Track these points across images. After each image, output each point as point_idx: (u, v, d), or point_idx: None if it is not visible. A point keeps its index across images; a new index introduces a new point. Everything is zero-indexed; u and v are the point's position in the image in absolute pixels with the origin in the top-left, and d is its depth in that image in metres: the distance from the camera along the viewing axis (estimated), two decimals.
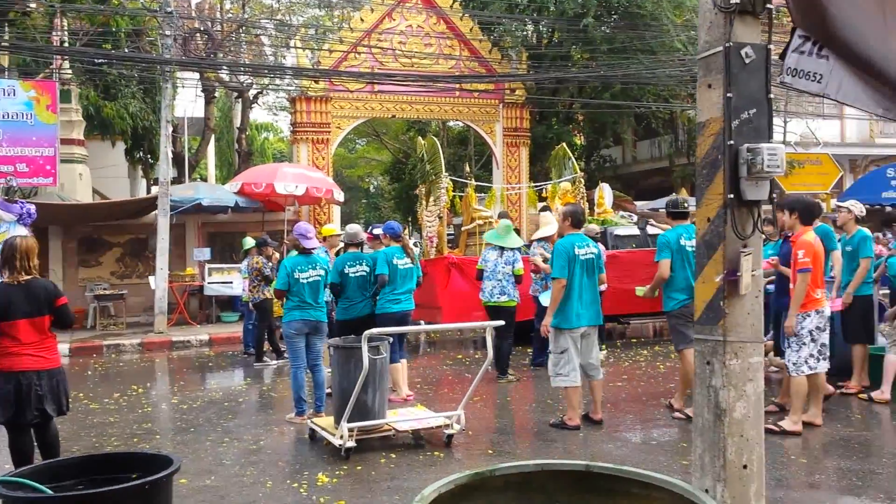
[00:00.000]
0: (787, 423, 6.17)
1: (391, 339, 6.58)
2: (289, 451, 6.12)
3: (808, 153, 19.14)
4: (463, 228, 12.69)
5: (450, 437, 6.08)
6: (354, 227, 8.05)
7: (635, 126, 21.99)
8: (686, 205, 7.03)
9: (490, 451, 5.95)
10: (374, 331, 5.78)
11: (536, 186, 14.49)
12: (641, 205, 18.34)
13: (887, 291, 9.56)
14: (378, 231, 8.40)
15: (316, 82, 15.50)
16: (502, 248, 8.81)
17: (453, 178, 12.95)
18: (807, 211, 6.44)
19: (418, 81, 15.42)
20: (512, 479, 3.27)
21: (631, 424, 6.76)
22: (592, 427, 6.54)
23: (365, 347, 5.53)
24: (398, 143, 27.31)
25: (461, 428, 6.20)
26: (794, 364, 6.29)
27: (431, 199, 12.51)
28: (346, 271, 7.52)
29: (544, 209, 11.17)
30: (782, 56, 2.90)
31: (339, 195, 14.79)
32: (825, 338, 6.38)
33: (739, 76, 3.07)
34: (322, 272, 7.16)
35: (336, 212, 15.93)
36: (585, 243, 6.57)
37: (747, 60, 3.04)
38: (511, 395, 8.06)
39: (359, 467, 5.53)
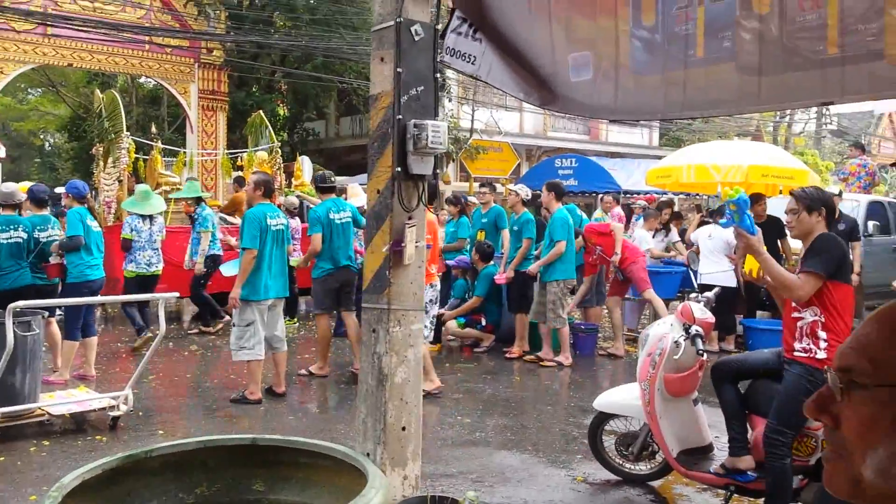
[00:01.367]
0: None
1: (48, 314, 5.85)
2: None
3: (492, 141, 20.93)
4: None
5: (115, 419, 5.59)
6: (10, 186, 7.02)
7: (338, 101, 22.19)
8: (332, 179, 7.57)
9: (161, 432, 5.58)
10: (24, 303, 5.09)
11: (232, 154, 13.90)
12: (343, 180, 18.55)
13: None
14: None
15: None
16: (150, 217, 8.53)
17: (137, 139, 11.89)
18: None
19: (100, 28, 13.85)
20: (170, 459, 3.07)
21: (314, 396, 6.82)
22: (275, 400, 6.46)
23: (9, 323, 4.83)
24: (78, 97, 24.51)
25: (129, 409, 5.73)
26: None
27: (110, 160, 11.34)
28: None
29: (241, 178, 10.80)
30: (442, 35, 3.04)
31: None
32: (435, 310, 7.02)
33: (409, 52, 3.16)
34: None
35: None
36: (276, 213, 6.44)
37: (417, 38, 3.14)
38: (191, 372, 7.66)
39: (2, 458, 4.85)
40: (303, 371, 7.35)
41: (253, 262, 6.19)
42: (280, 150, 12.60)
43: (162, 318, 5.55)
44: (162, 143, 13.38)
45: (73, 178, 8.89)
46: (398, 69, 3.14)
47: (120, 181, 11.12)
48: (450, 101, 20.04)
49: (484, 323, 8.83)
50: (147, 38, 15.06)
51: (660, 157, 14.84)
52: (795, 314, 3.55)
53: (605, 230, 8.52)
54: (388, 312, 3.40)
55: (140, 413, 5.98)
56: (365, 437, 3.59)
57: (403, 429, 3.56)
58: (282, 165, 12.18)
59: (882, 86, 2.28)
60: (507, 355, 8.30)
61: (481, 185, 9.70)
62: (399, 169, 3.24)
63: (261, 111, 14.01)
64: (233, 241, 8.83)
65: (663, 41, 2.70)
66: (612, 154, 22.98)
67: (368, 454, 3.54)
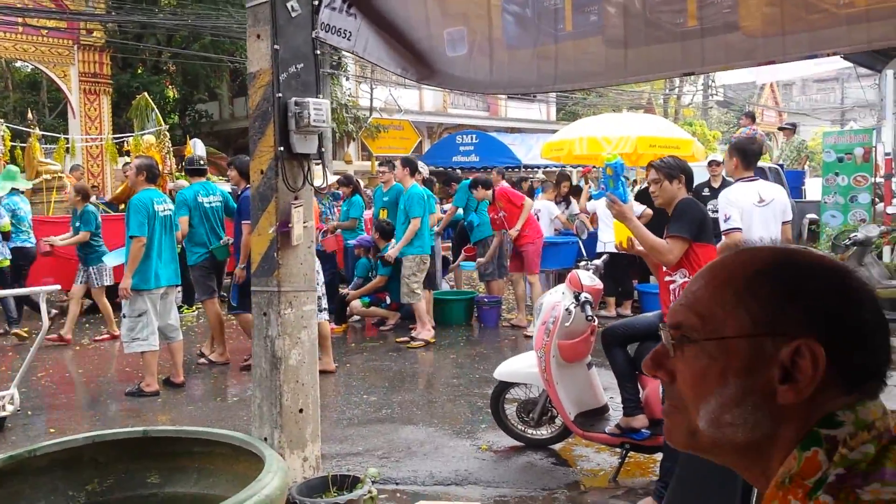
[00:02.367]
0: None
1: None
2: None
3: (392, 119, 20.80)
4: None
5: (1, 420, 5.29)
6: None
7: (230, 82, 21.48)
8: (202, 162, 7.53)
9: (53, 431, 5.34)
10: None
11: (117, 139, 13.24)
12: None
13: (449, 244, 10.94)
14: None
15: None
16: None
17: (12, 126, 11.17)
18: None
19: None
20: (58, 457, 2.95)
21: (214, 384, 6.66)
22: (174, 391, 6.28)
23: None
24: None
25: (16, 409, 5.43)
26: None
27: None
28: None
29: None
30: (316, 11, 2.98)
31: None
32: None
33: (286, 29, 3.09)
34: None
35: None
36: (162, 199, 6.21)
37: (293, 14, 3.07)
38: (84, 366, 7.34)
39: None
40: (202, 360, 7.15)
41: (142, 250, 5.97)
42: (169, 134, 12.11)
43: (44, 312, 5.27)
44: (41, 130, 12.61)
45: None
46: (275, 46, 3.06)
47: None
48: (347, 79, 19.77)
49: (388, 301, 8.82)
50: (20, 20, 14.11)
51: (556, 131, 15.15)
52: (667, 277, 3.71)
53: (518, 202, 8.60)
54: (278, 295, 3.35)
55: (29, 412, 5.71)
56: (262, 422, 3.55)
57: (301, 411, 3.53)
58: (171, 149, 11.71)
59: (738, 56, 2.39)
60: (413, 332, 8.32)
61: (381, 164, 9.64)
62: (282, 148, 3.17)
63: (146, 93, 13.40)
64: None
65: (534, 16, 2.74)
66: (511, 129, 23.28)
67: (266, 439, 3.50)
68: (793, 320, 0.81)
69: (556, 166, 16.20)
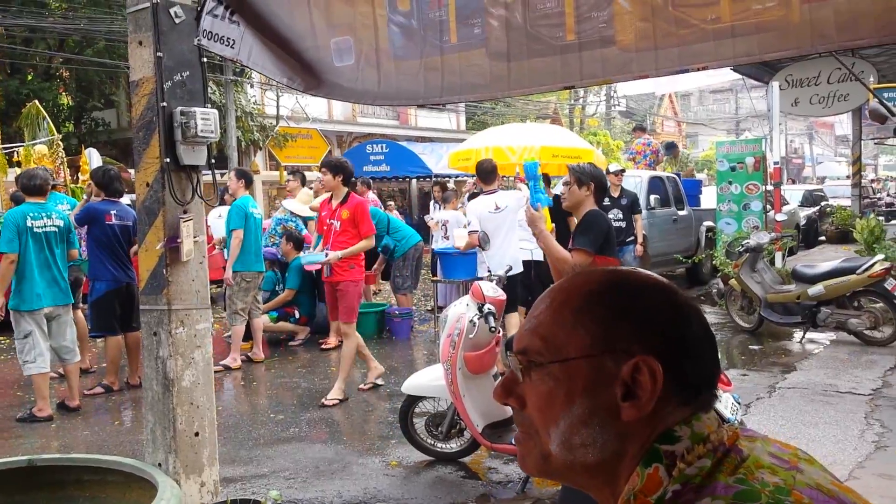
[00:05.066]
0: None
1: None
2: None
3: (300, 128, 20.51)
4: None
5: None
6: None
7: (128, 89, 20.70)
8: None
9: None
10: None
11: (7, 149, 12.52)
12: None
13: None
14: None
15: None
16: None
17: None
18: None
19: None
20: None
21: (112, 407, 6.35)
22: (69, 415, 5.95)
23: None
24: None
25: None
26: None
27: None
28: None
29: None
30: (197, 18, 2.88)
31: None
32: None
33: (170, 35, 2.97)
34: None
35: None
36: (41, 214, 5.85)
37: (177, 20, 2.96)
38: None
39: None
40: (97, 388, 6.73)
41: (12, 267, 5.63)
42: (63, 143, 11.54)
43: None
44: None
45: None
46: (158, 53, 2.93)
47: None
48: (252, 87, 19.38)
49: (298, 315, 8.65)
50: None
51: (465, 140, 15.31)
52: None
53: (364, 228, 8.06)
54: (168, 313, 3.20)
55: None
56: (155, 447, 3.39)
57: (196, 434, 3.39)
58: (65, 160, 11.17)
59: (614, 70, 2.46)
60: (323, 346, 8.20)
61: (289, 174, 9.49)
62: (168, 160, 3.04)
63: (37, 101, 12.74)
64: None
65: (419, 27, 2.74)
66: (421, 139, 23.35)
67: (160, 464, 3.34)
68: (629, 338, 0.82)
69: (466, 176, 16.33)
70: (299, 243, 8.56)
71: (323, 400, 6.10)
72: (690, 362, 0.83)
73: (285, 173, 12.43)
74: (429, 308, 10.36)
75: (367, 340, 8.50)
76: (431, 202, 10.72)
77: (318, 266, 8.11)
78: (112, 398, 6.55)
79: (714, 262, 10.46)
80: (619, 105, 34.46)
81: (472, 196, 10.94)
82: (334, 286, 6.21)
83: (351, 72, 2.90)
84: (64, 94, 19.42)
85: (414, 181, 19.46)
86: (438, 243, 9.36)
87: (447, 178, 18.58)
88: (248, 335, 8.30)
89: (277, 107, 19.03)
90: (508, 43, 2.54)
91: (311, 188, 9.48)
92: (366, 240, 6.18)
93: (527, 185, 3.62)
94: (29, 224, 5.70)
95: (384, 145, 18.63)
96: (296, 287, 8.40)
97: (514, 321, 6.79)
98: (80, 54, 16.18)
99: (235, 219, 7.29)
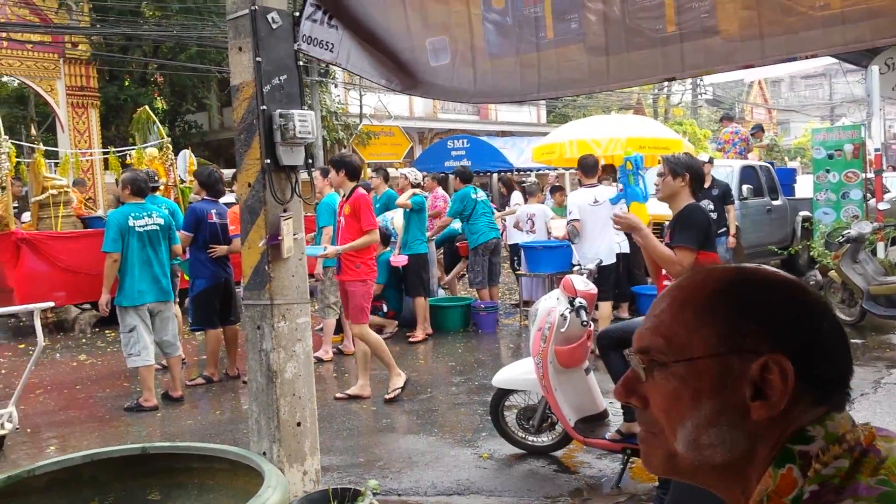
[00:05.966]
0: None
1: None
2: None
3: (382, 125, 20.81)
4: (33, 200, 11.04)
5: (0, 438, 5.27)
6: None
7: (219, 92, 21.46)
8: (157, 179, 7.72)
9: (52, 448, 5.32)
10: None
11: (119, 152, 13.23)
12: (230, 172, 18.07)
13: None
14: None
15: None
16: None
17: (16, 142, 11.15)
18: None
19: None
20: (57, 476, 2.94)
21: (213, 397, 6.63)
22: (172, 405, 6.25)
23: None
24: None
25: (14, 427, 5.40)
26: None
27: None
28: None
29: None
30: (297, 23, 2.97)
31: None
32: None
33: (268, 41, 3.07)
34: None
35: None
36: (142, 213, 6.14)
37: (274, 26, 3.06)
38: (82, 382, 7.29)
39: None
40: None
41: (115, 265, 5.95)
42: (171, 146, 12.11)
43: (38, 329, 5.23)
44: (29, 144, 12.59)
45: None
46: (257, 58, 3.05)
47: (3, 188, 10.44)
48: (336, 87, 19.77)
49: (386, 309, 8.80)
50: (4, 35, 14.09)
51: (547, 134, 15.21)
52: (667, 282, 3.69)
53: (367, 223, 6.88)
54: (271, 308, 3.33)
55: (28, 430, 5.68)
56: (260, 437, 3.53)
57: (298, 424, 3.51)
58: (174, 161, 11.72)
59: (717, 60, 2.40)
60: (411, 339, 8.31)
61: (373, 171, 9.65)
62: (269, 161, 3.16)
63: (146, 107, 13.41)
64: None
65: (514, 24, 2.74)
66: (502, 133, 23.32)
67: (265, 453, 3.48)
68: (756, 337, 0.81)
69: (547, 169, 16.21)
70: (385, 239, 8.70)
71: (337, 394, 6.24)
72: (822, 360, 0.82)
73: (369, 171, 12.62)
74: (513, 302, 10.36)
75: (453, 334, 8.63)
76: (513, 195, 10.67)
77: (404, 261, 8.28)
78: (212, 389, 6.84)
79: (811, 254, 10.06)
80: (705, 93, 33.40)
81: (554, 190, 10.90)
82: (344, 285, 6.11)
83: (447, 71, 2.94)
84: (159, 98, 20.34)
85: (495, 175, 19.42)
86: (522, 237, 9.34)
87: (528, 172, 18.51)
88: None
89: (360, 105, 19.36)
90: (607, 37, 2.52)
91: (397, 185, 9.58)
92: (368, 235, 5.93)
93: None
94: (131, 224, 6.00)
95: (465, 140, 18.71)
96: (383, 282, 8.53)
97: (606, 311, 6.78)
98: (173, 60, 16.89)
99: (325, 216, 7.47)
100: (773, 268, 0.91)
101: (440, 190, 10.16)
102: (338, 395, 6.23)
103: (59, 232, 10.22)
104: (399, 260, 8.32)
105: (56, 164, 12.97)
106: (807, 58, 2.28)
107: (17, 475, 2.80)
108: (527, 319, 8.91)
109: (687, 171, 3.65)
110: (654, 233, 3.73)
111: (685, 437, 0.83)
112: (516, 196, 10.48)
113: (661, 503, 3.54)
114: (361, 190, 6.10)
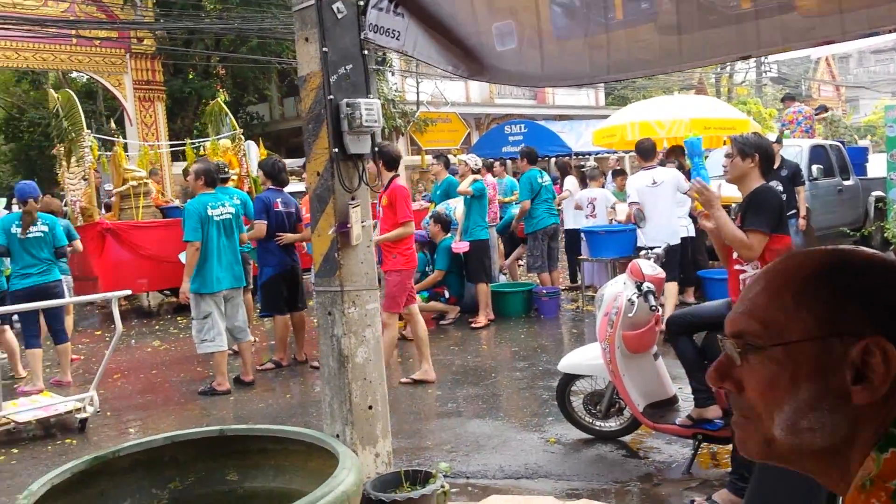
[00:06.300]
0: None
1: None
2: None
3: (439, 112, 20.83)
4: (115, 191, 11.50)
5: (83, 421, 5.53)
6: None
7: (279, 83, 21.82)
8: (226, 170, 8.04)
9: (132, 431, 5.55)
10: None
11: (193, 144, 13.63)
12: (291, 162, 18.36)
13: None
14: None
15: None
16: None
17: (97, 136, 11.62)
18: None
19: (22, 25, 13.37)
20: (140, 457, 3.06)
21: (282, 381, 6.81)
22: (244, 389, 6.44)
23: None
24: (10, 97, 23.73)
25: (96, 410, 5.66)
26: None
27: (73, 159, 11.10)
28: None
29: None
30: (363, 12, 3.00)
31: None
32: None
33: (333, 31, 3.11)
34: None
35: None
36: (219, 203, 6.35)
37: (339, 16, 3.09)
38: (157, 367, 7.58)
39: None
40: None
41: (197, 254, 6.10)
42: (243, 137, 12.42)
43: (117, 317, 5.45)
44: (97, 138, 13.07)
45: (20, 181, 8.52)
46: (324, 49, 3.09)
47: (86, 179, 10.90)
48: (392, 74, 19.86)
49: (447, 295, 8.85)
50: (73, 32, 14.60)
51: (606, 117, 14.99)
52: (738, 266, 3.60)
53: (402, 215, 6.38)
54: (341, 294, 3.39)
55: (108, 413, 5.94)
56: (333, 419, 3.60)
57: (370, 407, 3.57)
58: (246, 152, 12.02)
59: (795, 36, 2.32)
60: (473, 325, 8.35)
61: (432, 157, 9.68)
62: (336, 150, 3.21)
63: (218, 99, 13.77)
64: None
65: (582, 5, 2.71)
66: (559, 117, 23.06)
67: (338, 435, 3.55)
68: (856, 319, 0.80)
69: (607, 152, 15.99)
70: (447, 225, 8.73)
71: (402, 378, 6.35)
72: None
73: (428, 158, 12.66)
74: (574, 286, 10.29)
75: (515, 319, 8.64)
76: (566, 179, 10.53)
77: (465, 248, 8.31)
78: (281, 373, 7.01)
79: (885, 235, 9.69)
80: (770, 71, 32.32)
81: (616, 174, 10.75)
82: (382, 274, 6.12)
83: (513, 55, 2.92)
84: (221, 90, 20.81)
85: (553, 160, 19.26)
86: (583, 222, 9.25)
87: (587, 156, 18.28)
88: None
89: (417, 93, 19.41)
90: (679, 15, 2.47)
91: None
92: (403, 226, 5.88)
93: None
94: (209, 213, 6.18)
95: (522, 125, 18.57)
96: (445, 268, 8.58)
97: (672, 290, 6.75)
98: (234, 52, 17.22)
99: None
100: (870, 249, 0.89)
101: (490, 177, 10.13)
102: (403, 379, 6.31)
103: (141, 221, 10.63)
104: (460, 246, 8.35)
105: (133, 157, 13.45)
106: (891, 31, 2.19)
107: (103, 456, 2.91)
108: (590, 304, 8.86)
109: (756, 152, 3.55)
110: None
111: (783, 422, 0.82)
112: (570, 181, 10.34)
113: (734, 489, 3.49)
114: (399, 181, 6.12)
